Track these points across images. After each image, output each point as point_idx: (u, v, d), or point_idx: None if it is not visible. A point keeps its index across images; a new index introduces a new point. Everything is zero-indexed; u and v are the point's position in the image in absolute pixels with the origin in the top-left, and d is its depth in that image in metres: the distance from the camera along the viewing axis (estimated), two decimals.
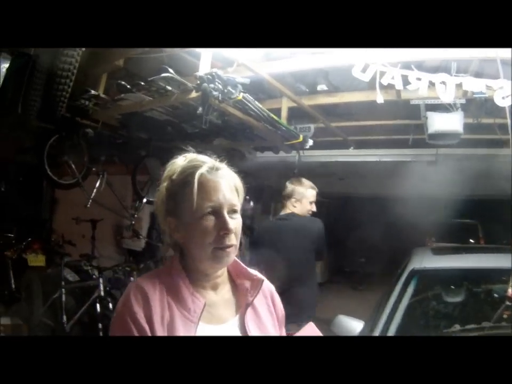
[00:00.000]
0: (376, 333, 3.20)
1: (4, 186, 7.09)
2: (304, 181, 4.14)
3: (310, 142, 5.34)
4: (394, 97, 4.32)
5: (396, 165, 5.33)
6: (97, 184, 5.68)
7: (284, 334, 1.56)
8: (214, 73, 3.84)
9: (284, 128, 4.95)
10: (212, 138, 5.73)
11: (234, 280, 1.51)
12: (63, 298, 5.32)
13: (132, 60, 4.31)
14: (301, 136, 5.21)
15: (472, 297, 3.81)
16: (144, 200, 6.08)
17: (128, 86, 4.30)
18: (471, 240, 9.17)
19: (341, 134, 5.88)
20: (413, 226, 5.74)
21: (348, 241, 10.19)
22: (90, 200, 5.56)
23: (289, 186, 4.11)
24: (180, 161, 1.43)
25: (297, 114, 5.41)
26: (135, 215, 6.51)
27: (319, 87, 4.73)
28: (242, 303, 1.46)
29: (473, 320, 3.30)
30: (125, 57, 4.25)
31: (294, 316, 2.99)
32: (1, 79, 3.69)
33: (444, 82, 3.52)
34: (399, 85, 3.56)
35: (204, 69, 3.86)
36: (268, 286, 1.58)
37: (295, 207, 4.10)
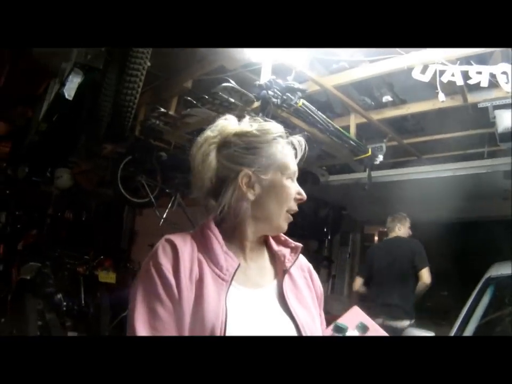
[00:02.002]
0: None
1: (85, 215, 7.50)
2: (403, 214, 5.34)
3: (380, 157, 5.22)
4: (461, 102, 4.25)
5: (470, 180, 5.08)
6: (169, 204, 5.81)
7: (322, 314, 1.52)
8: (271, 80, 3.90)
9: (351, 141, 4.89)
10: None
11: (272, 248, 1.46)
12: None
13: (199, 81, 4.49)
14: (370, 150, 5.10)
15: None
16: None
17: (194, 102, 4.45)
18: None
19: (415, 152, 5.73)
20: (498, 254, 5.34)
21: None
22: (162, 220, 5.70)
23: (390, 220, 5.36)
24: (251, 121, 1.41)
25: (367, 132, 5.33)
26: None
27: (384, 98, 4.66)
28: (280, 270, 1.42)
29: None
30: (193, 78, 4.44)
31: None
32: (73, 94, 3.90)
33: (505, 72, 3.45)
34: (459, 81, 3.52)
35: (264, 78, 3.94)
36: (306, 262, 1.55)
37: (400, 230, 5.26)
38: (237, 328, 1.20)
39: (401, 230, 5.26)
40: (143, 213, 7.82)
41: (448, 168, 5.36)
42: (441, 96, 3.71)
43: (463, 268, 7.94)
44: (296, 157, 1.40)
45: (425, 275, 4.95)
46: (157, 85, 4.72)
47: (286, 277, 1.40)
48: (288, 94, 4.00)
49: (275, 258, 1.45)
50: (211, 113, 4.57)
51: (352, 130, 4.99)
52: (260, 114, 4.04)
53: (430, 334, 3.36)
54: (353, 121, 5.01)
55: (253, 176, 1.32)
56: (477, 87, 3.67)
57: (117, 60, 3.95)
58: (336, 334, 1.37)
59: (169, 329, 1.17)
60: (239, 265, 1.28)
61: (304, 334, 1.30)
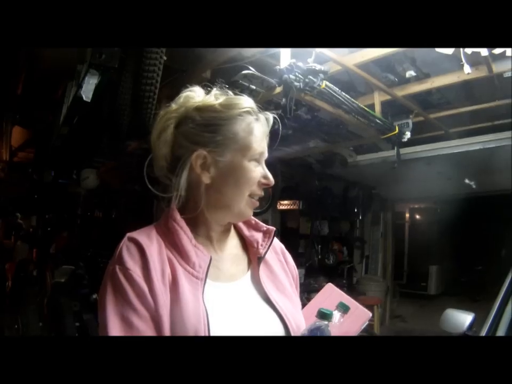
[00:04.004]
0: (484, 329, 2.98)
1: (115, 213, 7.54)
2: None
3: (408, 135, 5.11)
4: (486, 73, 4.10)
5: (500, 152, 4.95)
6: None
7: (298, 295, 1.41)
8: (292, 64, 3.82)
9: (377, 120, 4.79)
10: (306, 139, 5.68)
11: (242, 233, 1.37)
12: None
13: (218, 70, 4.42)
14: (397, 128, 5.00)
15: None
16: None
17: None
18: None
19: (442, 126, 5.60)
20: None
21: (463, 249, 9.44)
22: None
23: None
24: (218, 94, 1.31)
25: (392, 109, 5.23)
26: None
27: (408, 74, 4.54)
28: (254, 257, 1.33)
29: None
30: (211, 68, 4.37)
31: None
32: (91, 95, 3.87)
33: None
34: (484, 51, 3.43)
35: (284, 62, 3.86)
36: (278, 243, 1.46)
37: None
38: (220, 328, 1.12)
39: None
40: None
41: (477, 141, 5.23)
42: (467, 68, 3.62)
43: (496, 242, 7.84)
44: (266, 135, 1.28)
45: None
46: (175, 78, 4.66)
47: (262, 264, 1.31)
48: (310, 77, 3.91)
49: (247, 245, 1.36)
50: None
51: (377, 108, 4.90)
52: (283, 99, 3.98)
53: (471, 315, 3.23)
54: (377, 99, 4.92)
55: (208, 157, 1.20)
56: (502, 56, 3.54)
57: (132, 57, 3.89)
58: (321, 321, 1.21)
59: None
60: (211, 259, 1.19)
61: (288, 324, 1.23)
